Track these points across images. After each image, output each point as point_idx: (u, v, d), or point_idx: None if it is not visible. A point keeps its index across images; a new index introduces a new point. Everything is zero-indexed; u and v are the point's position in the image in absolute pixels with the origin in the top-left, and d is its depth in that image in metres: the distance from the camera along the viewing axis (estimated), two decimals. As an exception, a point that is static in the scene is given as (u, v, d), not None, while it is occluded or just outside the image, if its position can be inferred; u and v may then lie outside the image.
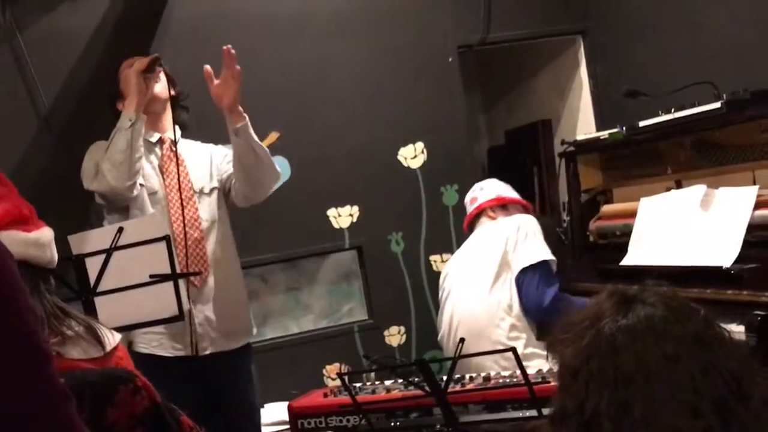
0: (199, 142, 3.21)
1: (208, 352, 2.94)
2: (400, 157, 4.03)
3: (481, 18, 4.16)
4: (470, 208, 3.64)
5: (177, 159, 3.02)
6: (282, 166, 3.84)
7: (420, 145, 4.04)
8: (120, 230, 2.26)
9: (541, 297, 3.19)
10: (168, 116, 3.06)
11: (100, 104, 3.14)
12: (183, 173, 3.00)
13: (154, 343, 2.91)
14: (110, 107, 3.07)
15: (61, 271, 1.45)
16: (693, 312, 1.22)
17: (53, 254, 1.34)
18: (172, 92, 3.09)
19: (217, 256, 3.03)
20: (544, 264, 3.28)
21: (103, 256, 2.24)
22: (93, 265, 2.25)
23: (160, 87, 3.02)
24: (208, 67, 2.94)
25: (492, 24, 4.18)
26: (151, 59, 2.95)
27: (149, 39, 3.60)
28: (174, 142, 3.02)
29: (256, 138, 2.96)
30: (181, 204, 2.91)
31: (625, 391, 1.14)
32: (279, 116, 3.83)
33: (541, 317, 3.22)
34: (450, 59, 4.12)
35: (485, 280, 3.32)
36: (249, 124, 2.93)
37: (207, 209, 3.05)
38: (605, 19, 4.27)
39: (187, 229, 2.92)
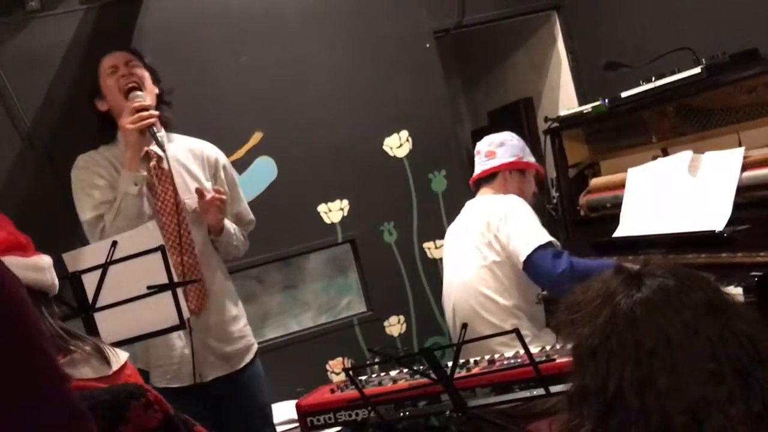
0: (188, 142, 2.98)
1: (211, 378, 2.83)
2: (385, 147, 4.02)
3: (455, 1, 4.16)
4: (485, 164, 3.37)
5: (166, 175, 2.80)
6: (268, 167, 3.84)
7: (404, 133, 4.04)
8: (114, 244, 2.24)
9: (555, 268, 2.94)
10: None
11: (81, 118, 3.04)
12: (173, 194, 2.79)
13: (168, 376, 2.79)
14: (89, 108, 2.88)
15: (58, 289, 1.44)
16: (702, 280, 1.23)
17: (54, 279, 1.33)
18: (156, 90, 2.89)
19: (213, 280, 2.88)
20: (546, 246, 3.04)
21: (99, 272, 2.23)
22: (90, 281, 2.23)
23: (149, 98, 2.80)
24: (198, 186, 2.82)
25: (466, 7, 4.18)
26: (149, 123, 2.70)
27: (125, 48, 3.57)
28: (160, 158, 2.80)
29: (230, 239, 2.94)
30: (179, 234, 2.76)
31: (648, 364, 1.14)
32: (261, 117, 3.82)
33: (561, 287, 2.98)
34: (427, 45, 4.12)
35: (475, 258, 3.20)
36: (226, 232, 2.90)
37: (201, 231, 2.86)
38: (578, -7, 4.28)
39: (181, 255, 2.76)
